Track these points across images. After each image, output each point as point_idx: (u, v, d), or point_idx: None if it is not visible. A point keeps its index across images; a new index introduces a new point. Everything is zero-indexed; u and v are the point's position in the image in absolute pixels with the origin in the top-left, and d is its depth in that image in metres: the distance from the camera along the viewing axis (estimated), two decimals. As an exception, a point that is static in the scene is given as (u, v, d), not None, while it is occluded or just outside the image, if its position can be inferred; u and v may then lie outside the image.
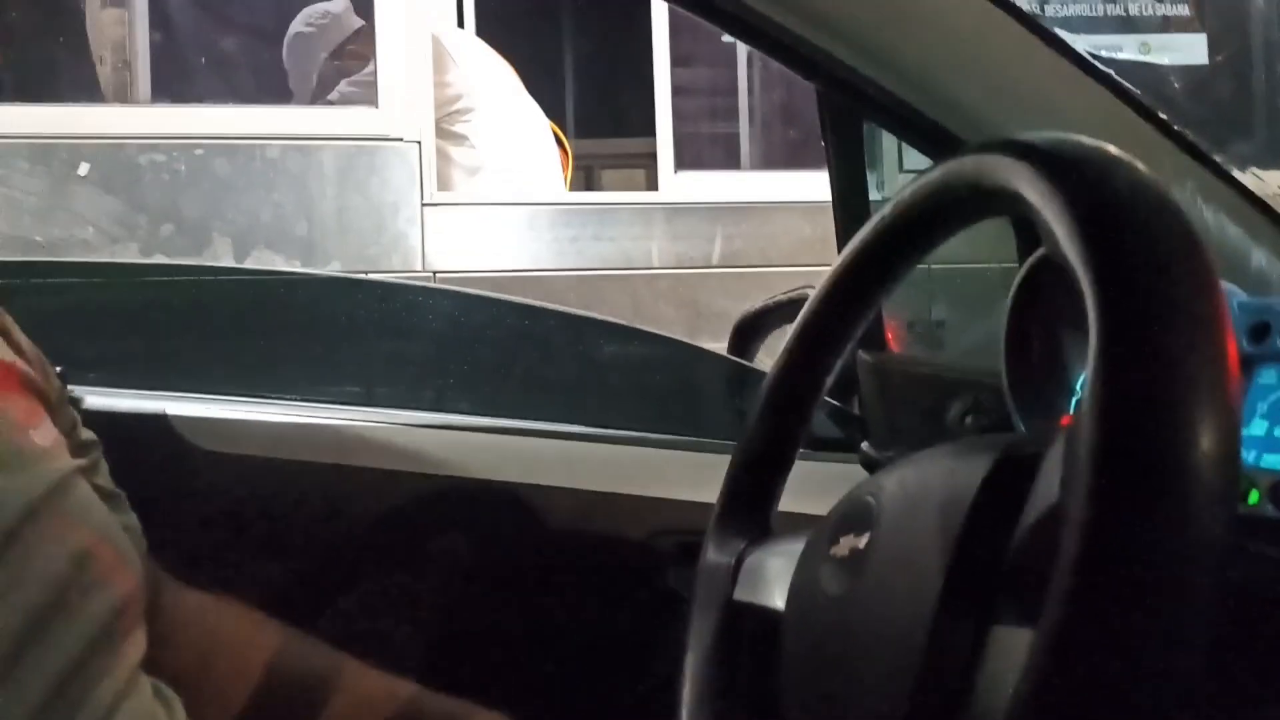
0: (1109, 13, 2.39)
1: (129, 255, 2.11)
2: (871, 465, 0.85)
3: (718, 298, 2.25)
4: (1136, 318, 0.31)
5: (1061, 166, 0.37)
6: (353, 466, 0.86)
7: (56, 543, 0.45)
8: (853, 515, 0.48)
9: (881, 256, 0.55)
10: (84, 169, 2.11)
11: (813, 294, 0.60)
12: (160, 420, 0.81)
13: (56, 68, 2.42)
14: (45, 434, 0.51)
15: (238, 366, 0.96)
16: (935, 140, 0.88)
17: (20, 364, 0.53)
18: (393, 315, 1.04)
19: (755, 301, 1.26)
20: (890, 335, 1.04)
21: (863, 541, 0.45)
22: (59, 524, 0.46)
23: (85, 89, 2.42)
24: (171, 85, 2.60)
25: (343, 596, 0.85)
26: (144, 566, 0.61)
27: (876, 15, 0.79)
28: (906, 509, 0.44)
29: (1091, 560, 0.28)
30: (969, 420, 0.91)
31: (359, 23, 2.37)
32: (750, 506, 0.62)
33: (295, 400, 0.91)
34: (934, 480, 0.43)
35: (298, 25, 2.41)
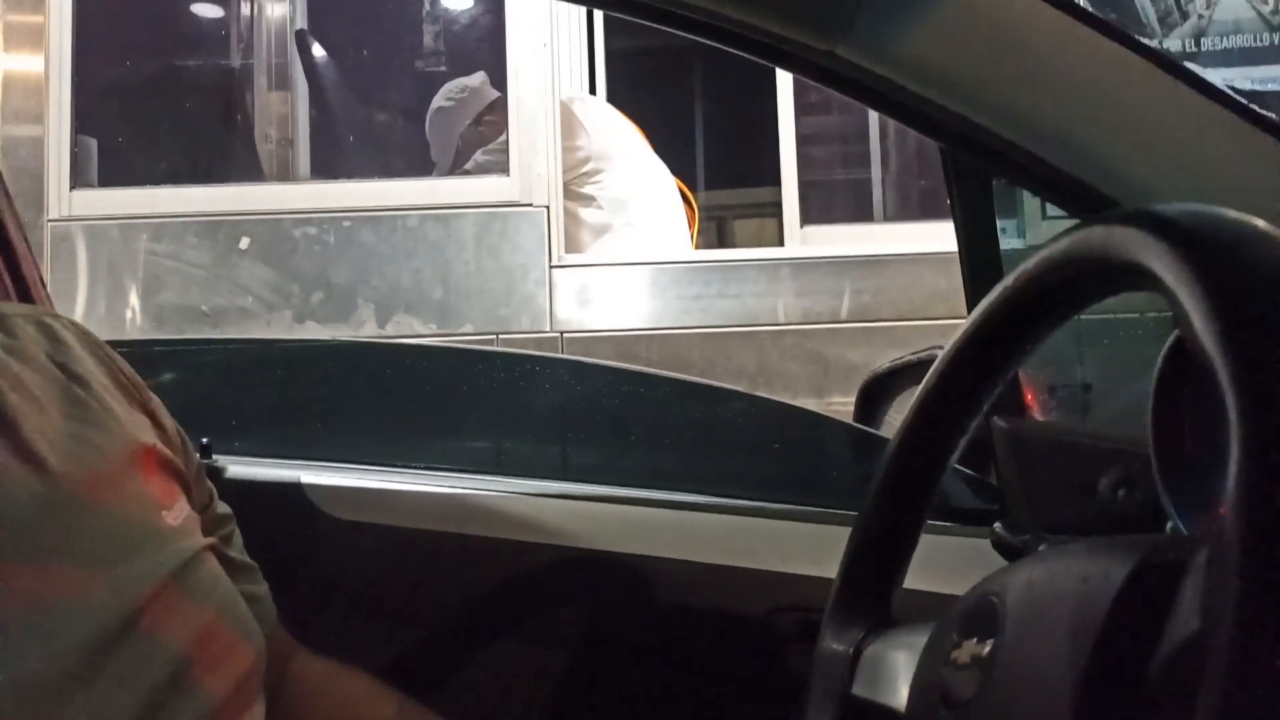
0: (1275, 42, 2.21)
1: (284, 322, 2.26)
2: (1004, 548, 0.80)
3: (847, 353, 2.19)
4: (1284, 427, 0.27)
5: (1199, 244, 0.34)
6: (474, 536, 0.87)
7: (180, 621, 0.47)
8: (976, 617, 0.44)
9: (1005, 330, 0.52)
10: (245, 243, 2.29)
11: (933, 367, 0.57)
12: (295, 489, 0.85)
13: (222, 151, 2.66)
14: (178, 513, 0.54)
15: (367, 435, 1.00)
16: (1075, 196, 0.83)
17: (160, 446, 0.56)
18: (513, 385, 1.06)
19: (882, 361, 1.22)
20: (1030, 399, 0.98)
21: (986, 648, 0.42)
22: (183, 603, 0.48)
23: (247, 168, 2.63)
24: (327, 160, 2.80)
25: (462, 666, 0.86)
26: (272, 636, 0.63)
27: (1003, 74, 0.75)
28: (1034, 616, 0.40)
29: (1236, 706, 0.25)
30: (1121, 494, 0.83)
31: (495, 94, 2.49)
32: (869, 591, 0.59)
33: (420, 469, 0.94)
34: (1065, 585, 0.39)
35: (439, 100, 2.55)
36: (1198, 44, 2.17)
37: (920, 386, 0.57)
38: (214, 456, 0.84)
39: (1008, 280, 0.51)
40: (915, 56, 0.75)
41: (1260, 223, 0.34)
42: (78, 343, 0.58)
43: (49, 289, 2.28)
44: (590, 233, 2.43)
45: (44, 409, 0.50)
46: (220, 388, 1.04)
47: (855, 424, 1.16)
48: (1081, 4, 0.69)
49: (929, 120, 0.81)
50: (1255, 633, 0.24)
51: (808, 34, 0.75)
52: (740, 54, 0.81)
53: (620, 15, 0.85)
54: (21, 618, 0.41)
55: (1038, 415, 0.99)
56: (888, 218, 3.00)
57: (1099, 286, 0.44)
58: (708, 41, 0.80)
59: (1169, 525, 0.57)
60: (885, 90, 0.79)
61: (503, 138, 2.40)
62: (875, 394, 1.18)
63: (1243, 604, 0.24)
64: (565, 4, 2.70)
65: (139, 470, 0.53)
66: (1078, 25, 0.69)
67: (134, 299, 2.27)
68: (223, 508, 0.65)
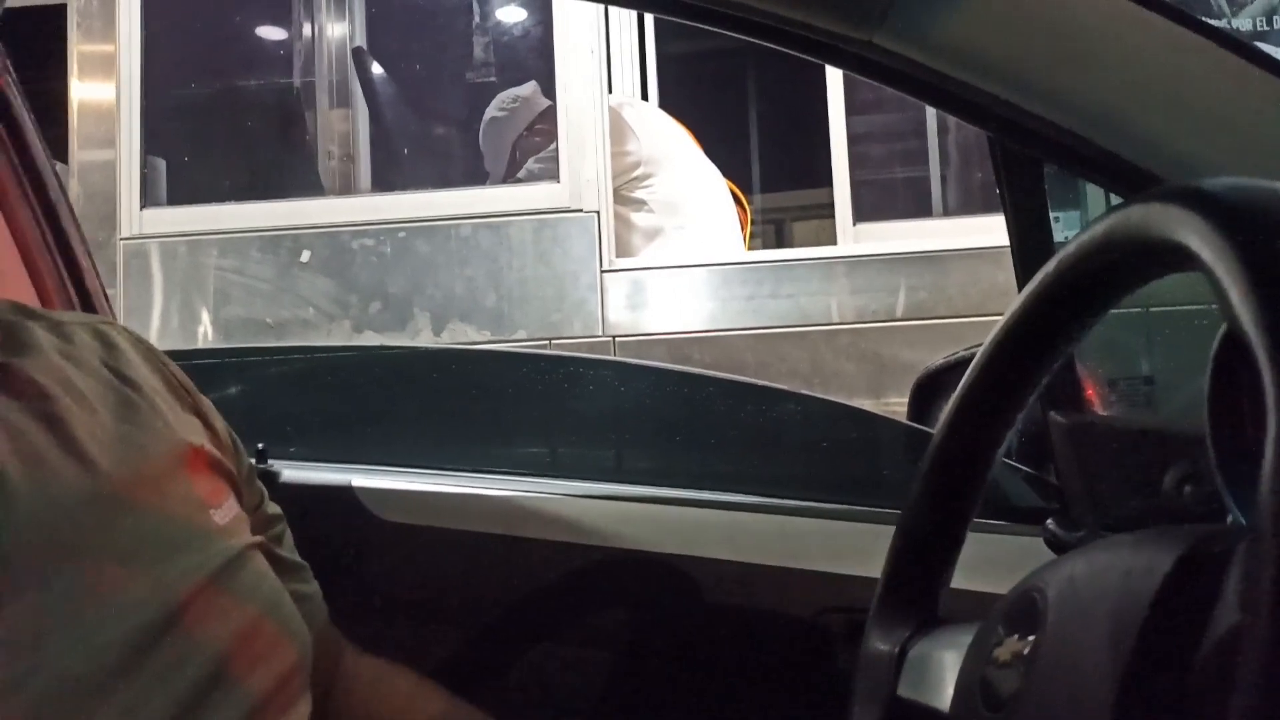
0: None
1: (343, 332, 2.32)
2: (1057, 545, 0.77)
3: (903, 352, 2.14)
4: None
5: (1238, 218, 0.32)
6: (522, 538, 0.88)
7: (221, 619, 0.48)
8: (1018, 613, 0.43)
9: (1047, 319, 0.50)
10: (305, 256, 2.35)
11: (974, 361, 0.55)
12: (347, 492, 0.87)
13: (285, 168, 2.73)
14: (226, 512, 0.55)
15: (417, 439, 1.01)
16: (1133, 181, 0.80)
17: (209, 448, 0.58)
18: (560, 388, 1.06)
19: (935, 359, 1.19)
20: (1090, 393, 0.94)
21: (1027, 646, 0.40)
22: (226, 601, 0.49)
23: (309, 184, 2.70)
24: (387, 174, 2.86)
25: (512, 666, 0.86)
26: (322, 635, 0.65)
27: (1048, 56, 0.73)
28: (1076, 611, 0.39)
29: (1271, 701, 0.23)
30: (1187, 490, 0.80)
31: (546, 103, 2.51)
32: (914, 591, 0.58)
33: (469, 472, 0.95)
34: (1107, 579, 0.38)
35: (492, 110, 2.58)
36: (1270, 22, 2.08)
37: (964, 379, 0.56)
38: (269, 461, 0.86)
39: (1048, 267, 0.49)
40: (955, 41, 0.73)
41: (1305, 194, 0.32)
42: (131, 348, 0.60)
43: (124, 304, 2.37)
44: (642, 237, 2.43)
45: (95, 411, 0.52)
46: (277, 395, 1.07)
47: (907, 421, 1.13)
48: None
49: (974, 107, 0.79)
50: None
51: (843, 24, 0.74)
52: (779, 49, 0.80)
53: (659, 15, 0.85)
54: (63, 615, 0.42)
55: (1098, 409, 0.95)
56: (947, 213, 2.93)
57: (1140, 269, 0.43)
58: (746, 38, 0.80)
59: (1229, 518, 0.54)
60: (927, 79, 0.77)
61: (554, 145, 2.42)
62: (928, 391, 1.16)
63: (1278, 592, 0.23)
64: (615, 11, 2.71)
65: (187, 470, 0.54)
66: (1122, 1, 0.67)
67: (203, 312, 2.34)
68: (273, 508, 0.67)
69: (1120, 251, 0.42)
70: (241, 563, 0.52)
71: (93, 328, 0.60)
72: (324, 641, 0.65)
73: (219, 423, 0.63)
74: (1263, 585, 0.24)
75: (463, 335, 2.29)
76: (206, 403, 0.63)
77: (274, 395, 1.07)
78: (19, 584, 0.42)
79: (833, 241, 2.60)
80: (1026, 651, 0.40)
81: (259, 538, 0.58)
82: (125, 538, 0.47)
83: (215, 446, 0.60)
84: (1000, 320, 0.52)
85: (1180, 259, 0.36)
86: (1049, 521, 0.78)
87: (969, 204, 2.94)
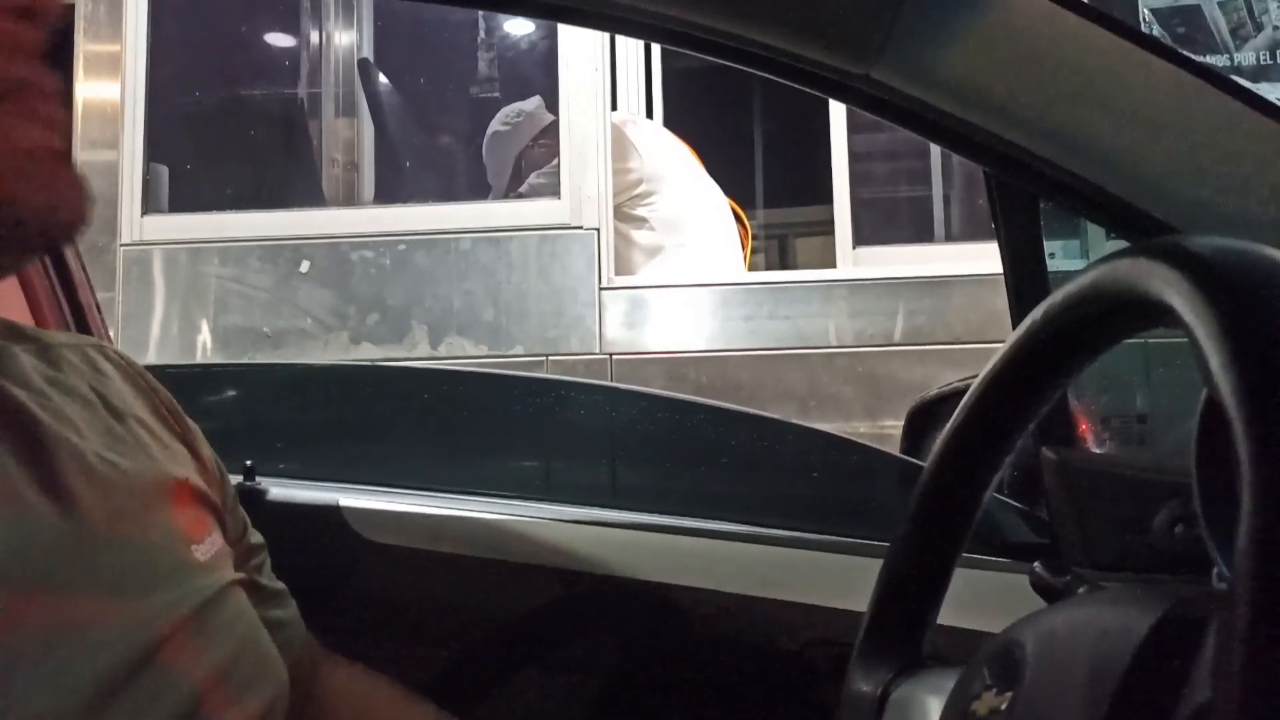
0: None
1: (341, 343, 2.31)
2: (1043, 588, 0.76)
3: (900, 375, 2.14)
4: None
5: (1222, 281, 0.32)
6: (508, 562, 0.87)
7: (197, 657, 0.48)
8: (998, 666, 0.43)
9: (1036, 365, 0.50)
10: (305, 266, 2.35)
11: (962, 402, 0.55)
12: (333, 512, 0.86)
13: (288, 177, 2.74)
14: (209, 547, 0.54)
15: (406, 459, 1.01)
16: (1125, 219, 0.80)
17: (194, 479, 0.57)
18: (549, 412, 1.06)
19: (931, 387, 1.18)
20: (1083, 430, 0.94)
21: (1004, 702, 0.40)
22: (202, 640, 0.49)
23: (308, 194, 2.71)
24: (391, 185, 2.86)
25: (495, 691, 0.86)
26: (300, 652, 0.64)
27: (1045, 94, 0.73)
28: (1053, 669, 0.38)
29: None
30: (1179, 530, 0.80)
31: (550, 118, 2.52)
32: (899, 631, 0.57)
33: (456, 494, 0.94)
34: (1084, 638, 0.37)
35: (495, 125, 2.59)
36: (1273, 56, 2.08)
37: (950, 423, 0.55)
38: (257, 478, 0.86)
39: (1036, 314, 0.49)
40: (953, 77, 0.73)
41: (1292, 260, 0.32)
42: (119, 374, 0.59)
43: (122, 310, 2.36)
44: (643, 254, 2.44)
45: (79, 441, 0.51)
46: (267, 411, 1.06)
47: (898, 454, 1.13)
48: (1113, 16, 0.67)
49: (971, 142, 0.79)
50: (1260, 714, 0.23)
51: (842, 58, 0.74)
52: (777, 80, 0.80)
53: (661, 45, 0.86)
54: (34, 651, 0.41)
55: (1092, 446, 0.95)
56: (950, 237, 2.94)
57: (1126, 322, 0.43)
58: (745, 68, 0.80)
59: (1215, 570, 0.54)
60: (924, 113, 0.77)
61: (556, 161, 2.42)
62: (922, 422, 1.15)
63: (1246, 684, 0.23)
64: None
65: (169, 504, 0.53)
66: (1122, 42, 0.67)
67: (201, 321, 2.34)
68: (256, 537, 0.66)
69: (1106, 304, 0.42)
70: (222, 600, 0.51)
71: (82, 351, 0.59)
72: (302, 656, 0.64)
73: (206, 450, 0.62)
74: (1232, 671, 0.24)
75: (460, 349, 2.29)
76: (195, 429, 0.62)
77: (264, 411, 1.06)
78: None
79: (835, 259, 2.60)
80: (1004, 707, 0.40)
81: (240, 574, 0.57)
82: (103, 573, 0.46)
83: (201, 477, 0.59)
84: (988, 364, 0.52)
85: (1164, 316, 0.36)
86: (1036, 564, 0.78)
87: (971, 226, 2.94)
